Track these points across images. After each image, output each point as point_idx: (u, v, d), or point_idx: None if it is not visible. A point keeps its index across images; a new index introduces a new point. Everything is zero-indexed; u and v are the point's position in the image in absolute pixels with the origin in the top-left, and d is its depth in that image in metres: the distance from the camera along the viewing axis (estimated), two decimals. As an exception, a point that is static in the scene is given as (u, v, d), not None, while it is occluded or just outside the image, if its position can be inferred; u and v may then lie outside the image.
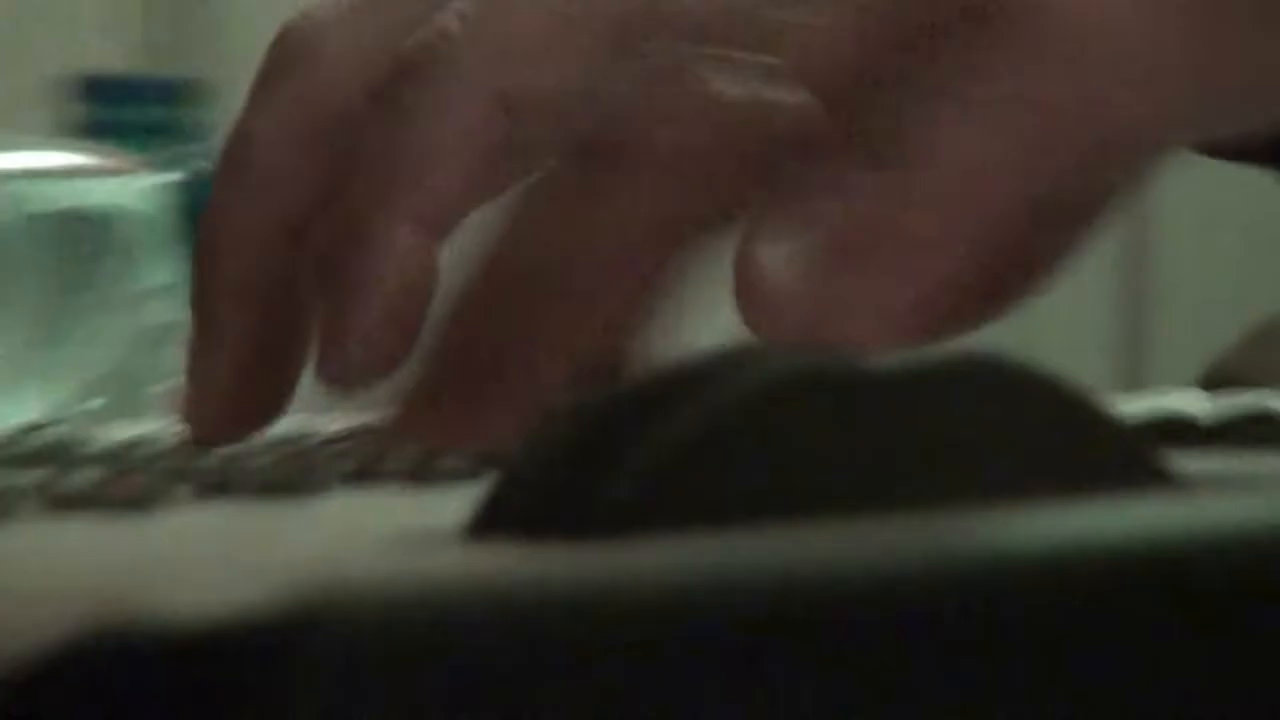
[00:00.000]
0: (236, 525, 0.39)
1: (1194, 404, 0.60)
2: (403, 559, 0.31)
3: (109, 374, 0.78)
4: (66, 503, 0.40)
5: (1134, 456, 0.35)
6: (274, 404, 0.56)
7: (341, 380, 0.53)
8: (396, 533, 0.34)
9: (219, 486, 0.42)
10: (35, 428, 0.60)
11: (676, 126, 0.52)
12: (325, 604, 0.24)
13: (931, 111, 0.55)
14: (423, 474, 0.44)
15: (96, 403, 0.85)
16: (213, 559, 0.33)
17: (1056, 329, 2.08)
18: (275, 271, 0.54)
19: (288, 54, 0.55)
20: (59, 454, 0.53)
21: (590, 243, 0.52)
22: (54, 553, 0.37)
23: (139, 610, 0.25)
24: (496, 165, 0.53)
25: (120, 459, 0.54)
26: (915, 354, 0.33)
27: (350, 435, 0.54)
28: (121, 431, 0.60)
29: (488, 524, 0.32)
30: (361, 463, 0.45)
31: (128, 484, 0.42)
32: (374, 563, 0.31)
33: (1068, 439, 0.33)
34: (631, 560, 0.28)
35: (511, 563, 0.29)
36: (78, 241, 0.83)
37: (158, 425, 0.61)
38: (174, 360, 0.77)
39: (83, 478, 0.45)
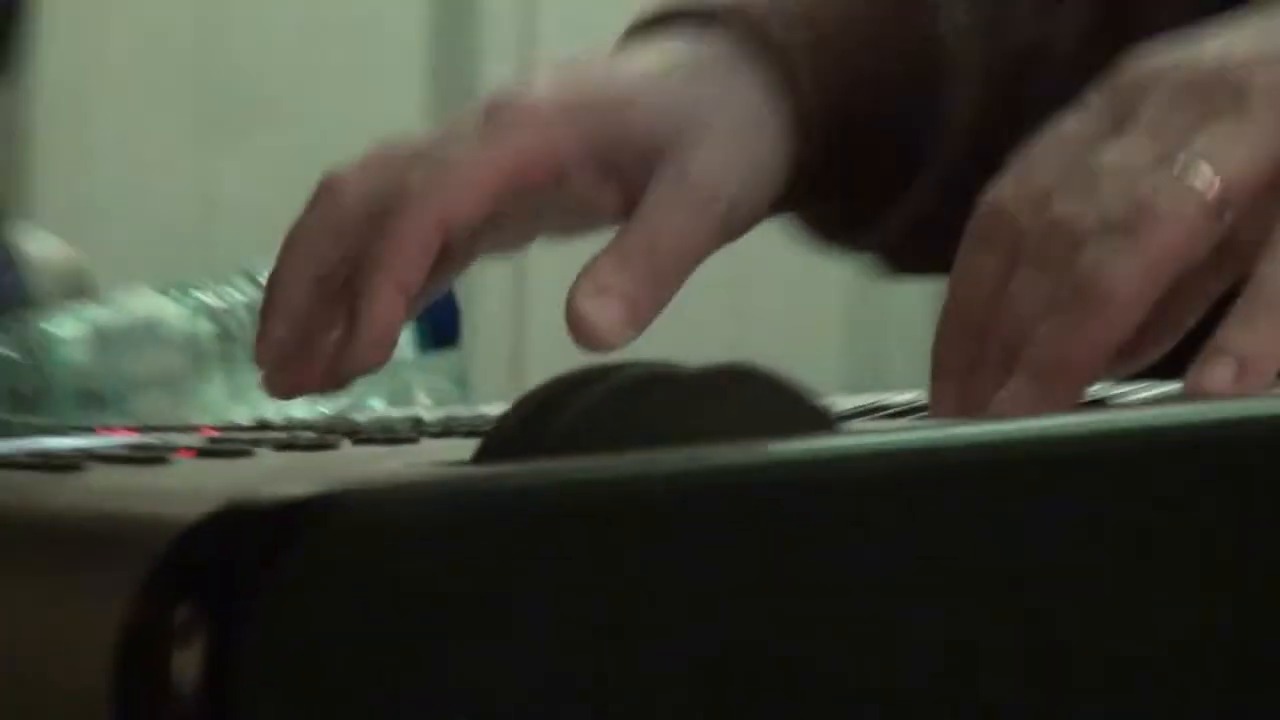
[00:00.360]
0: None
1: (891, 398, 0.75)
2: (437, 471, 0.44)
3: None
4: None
5: (817, 417, 0.47)
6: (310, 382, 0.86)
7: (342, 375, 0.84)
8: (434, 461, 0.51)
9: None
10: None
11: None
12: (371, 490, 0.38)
13: None
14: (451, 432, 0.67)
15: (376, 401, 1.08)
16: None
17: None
18: (308, 301, 0.84)
19: (325, 188, 0.84)
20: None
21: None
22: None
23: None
24: (432, 257, 0.81)
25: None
26: (705, 365, 0.47)
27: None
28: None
29: (488, 451, 0.46)
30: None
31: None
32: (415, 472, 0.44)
33: (782, 410, 0.47)
34: (568, 467, 0.41)
35: (500, 470, 0.42)
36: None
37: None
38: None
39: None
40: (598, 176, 0.85)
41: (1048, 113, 0.85)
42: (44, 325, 1.13)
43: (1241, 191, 0.69)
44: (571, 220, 0.89)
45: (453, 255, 0.83)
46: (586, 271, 0.80)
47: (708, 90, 0.87)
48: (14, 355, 1.12)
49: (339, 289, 0.82)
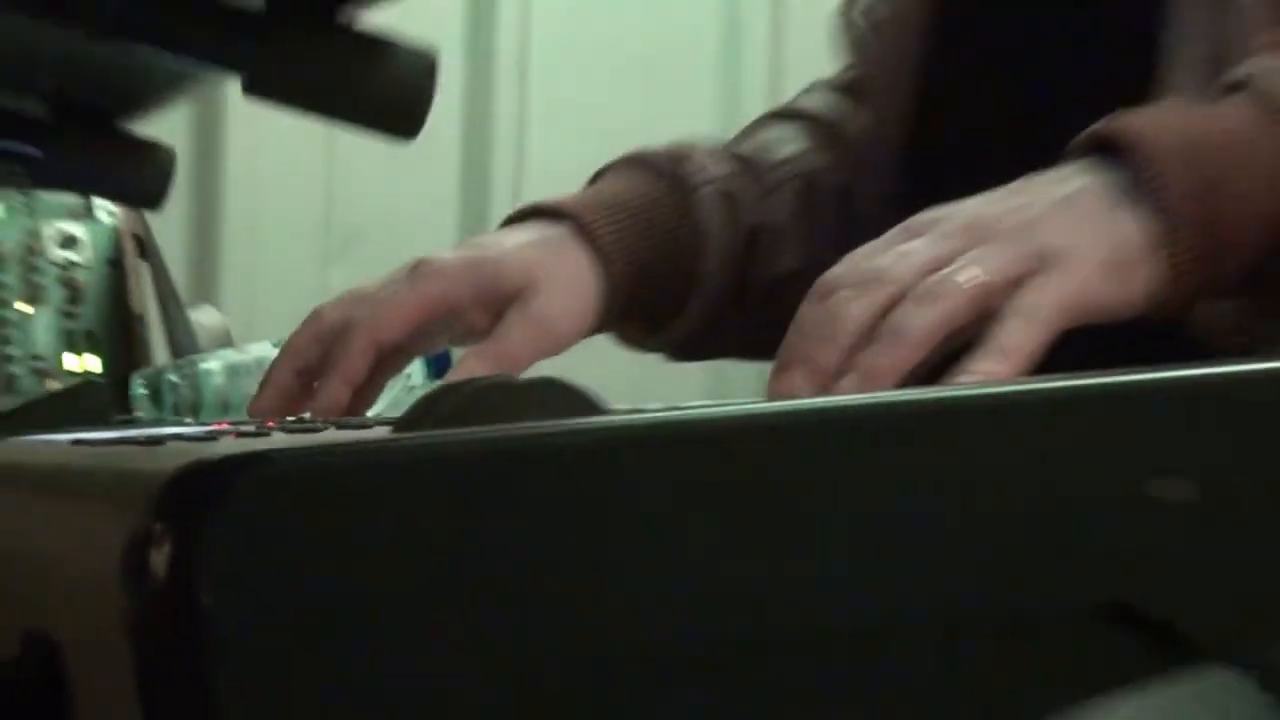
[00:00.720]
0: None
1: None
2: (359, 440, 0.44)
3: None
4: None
5: (593, 407, 0.49)
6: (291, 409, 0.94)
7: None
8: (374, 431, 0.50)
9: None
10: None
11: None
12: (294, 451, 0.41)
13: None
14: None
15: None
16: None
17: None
18: (296, 384, 0.94)
19: (312, 313, 0.95)
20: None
21: None
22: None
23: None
24: (369, 362, 0.93)
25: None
26: (527, 378, 0.50)
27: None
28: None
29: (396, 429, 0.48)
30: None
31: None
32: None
33: (573, 404, 0.49)
34: (448, 437, 0.44)
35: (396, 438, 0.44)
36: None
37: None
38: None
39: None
40: (479, 311, 0.96)
41: (770, 258, 1.08)
42: (201, 363, 1.19)
43: (989, 286, 0.75)
44: (462, 336, 0.99)
45: (391, 360, 0.95)
46: (460, 362, 0.93)
47: (549, 258, 0.98)
48: (181, 382, 1.19)
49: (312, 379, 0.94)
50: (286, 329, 1.00)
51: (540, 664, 0.41)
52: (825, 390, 0.73)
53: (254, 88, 0.62)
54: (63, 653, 0.46)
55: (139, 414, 1.17)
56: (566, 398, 0.50)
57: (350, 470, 0.41)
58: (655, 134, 1.14)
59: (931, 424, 0.47)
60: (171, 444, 0.57)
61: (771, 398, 0.73)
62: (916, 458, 0.46)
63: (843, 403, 0.47)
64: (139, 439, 0.60)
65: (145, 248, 1.46)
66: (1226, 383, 0.50)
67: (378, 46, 0.62)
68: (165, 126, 0.92)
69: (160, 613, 0.39)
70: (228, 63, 0.62)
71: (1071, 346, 0.76)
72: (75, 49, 0.71)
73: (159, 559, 0.39)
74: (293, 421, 0.80)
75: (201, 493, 0.40)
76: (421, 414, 0.50)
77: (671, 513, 0.43)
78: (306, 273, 1.97)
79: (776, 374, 0.75)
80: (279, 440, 0.53)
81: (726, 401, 0.52)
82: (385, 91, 0.62)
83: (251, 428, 0.66)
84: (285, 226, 1.98)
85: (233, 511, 0.39)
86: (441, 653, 0.40)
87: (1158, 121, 0.81)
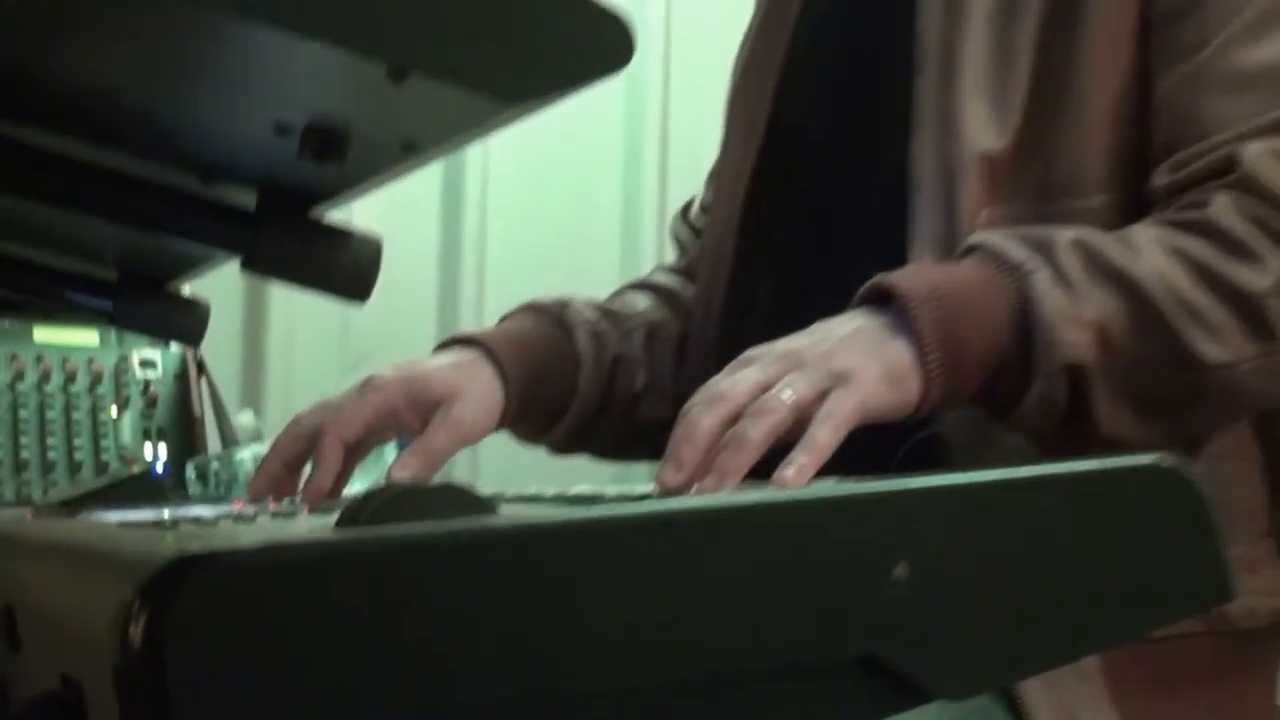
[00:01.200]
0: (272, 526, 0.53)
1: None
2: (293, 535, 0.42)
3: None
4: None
5: (486, 507, 0.46)
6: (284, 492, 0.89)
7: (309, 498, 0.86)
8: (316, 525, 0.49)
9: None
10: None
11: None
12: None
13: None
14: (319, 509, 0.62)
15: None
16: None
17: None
18: (284, 472, 0.88)
19: (292, 420, 0.90)
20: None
21: None
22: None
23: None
24: (340, 455, 0.89)
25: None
26: (434, 483, 0.47)
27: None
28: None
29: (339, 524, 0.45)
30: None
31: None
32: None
33: (469, 506, 0.46)
34: (379, 534, 0.41)
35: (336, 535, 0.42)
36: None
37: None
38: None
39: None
40: (412, 415, 0.92)
41: (626, 381, 1.06)
42: (236, 454, 1.17)
43: (802, 401, 0.75)
44: (402, 434, 0.96)
45: (356, 451, 0.91)
46: (399, 456, 0.89)
47: (465, 375, 0.96)
48: (221, 468, 1.16)
49: (297, 470, 0.91)
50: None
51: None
52: (693, 479, 0.73)
53: (250, 265, 0.60)
54: (85, 691, 0.45)
55: (192, 491, 1.16)
56: (461, 499, 0.47)
57: (279, 566, 0.39)
58: (572, 281, 1.17)
59: (723, 525, 0.45)
60: (183, 528, 0.55)
61: (657, 483, 0.73)
62: (714, 551, 0.44)
63: (662, 508, 0.44)
64: (164, 523, 0.58)
65: (202, 368, 1.45)
66: (953, 490, 0.48)
67: (340, 236, 0.60)
68: (219, 282, 0.92)
69: (136, 668, 0.38)
70: (233, 248, 0.61)
71: (859, 440, 0.76)
72: (130, 238, 0.71)
73: (136, 629, 0.38)
74: (283, 505, 0.77)
75: (170, 582, 0.38)
76: (354, 512, 0.47)
77: (512, 596, 0.42)
78: (329, 381, 1.94)
79: (660, 468, 0.74)
80: (246, 534, 0.50)
81: (596, 489, 0.54)
82: (346, 269, 0.60)
83: (251, 510, 0.65)
84: (312, 348, 1.95)
85: (190, 597, 0.38)
86: (348, 698, 0.39)
87: (912, 276, 0.82)
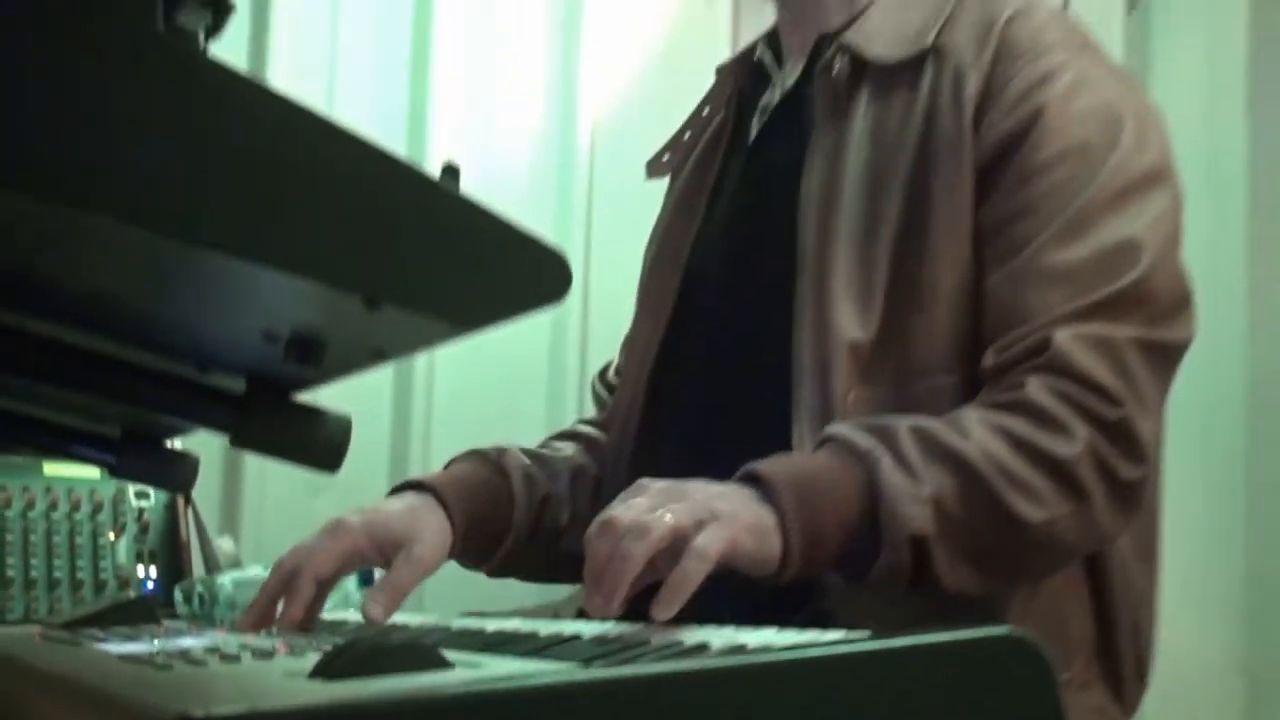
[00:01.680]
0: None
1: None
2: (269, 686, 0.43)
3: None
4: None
5: (437, 660, 0.45)
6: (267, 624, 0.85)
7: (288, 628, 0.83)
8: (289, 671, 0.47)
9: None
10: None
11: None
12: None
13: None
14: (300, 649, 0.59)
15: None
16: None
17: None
18: (271, 610, 0.85)
19: (276, 563, 0.87)
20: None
21: None
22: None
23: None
24: (314, 589, 0.85)
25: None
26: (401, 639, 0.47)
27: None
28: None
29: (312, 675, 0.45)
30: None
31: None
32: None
33: (426, 659, 0.45)
34: (364, 689, 0.41)
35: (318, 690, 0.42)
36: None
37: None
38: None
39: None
40: (375, 554, 0.90)
41: (554, 516, 1.05)
42: (218, 578, 1.13)
43: (679, 527, 0.74)
44: (367, 569, 0.95)
45: (326, 586, 0.88)
46: (369, 595, 0.85)
47: (419, 519, 0.94)
48: (204, 591, 1.12)
49: (277, 602, 0.87)
50: (283, 547, 0.93)
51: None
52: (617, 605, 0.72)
53: (237, 441, 0.59)
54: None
55: (180, 612, 1.12)
56: (422, 654, 0.46)
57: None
58: (507, 430, 1.15)
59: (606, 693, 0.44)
60: (178, 668, 0.53)
61: (588, 609, 0.73)
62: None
63: (589, 677, 0.43)
64: (157, 661, 0.56)
65: (189, 499, 1.42)
66: (808, 661, 0.46)
67: (315, 415, 0.59)
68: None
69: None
70: (223, 427, 0.59)
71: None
72: (132, 412, 0.68)
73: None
74: (260, 639, 0.74)
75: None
76: (328, 662, 0.46)
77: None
78: (299, 507, 1.89)
79: (587, 599, 0.74)
80: (231, 683, 0.48)
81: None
82: (320, 444, 0.59)
83: (234, 646, 0.62)
84: (282, 480, 1.88)
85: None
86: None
87: (776, 465, 0.82)
